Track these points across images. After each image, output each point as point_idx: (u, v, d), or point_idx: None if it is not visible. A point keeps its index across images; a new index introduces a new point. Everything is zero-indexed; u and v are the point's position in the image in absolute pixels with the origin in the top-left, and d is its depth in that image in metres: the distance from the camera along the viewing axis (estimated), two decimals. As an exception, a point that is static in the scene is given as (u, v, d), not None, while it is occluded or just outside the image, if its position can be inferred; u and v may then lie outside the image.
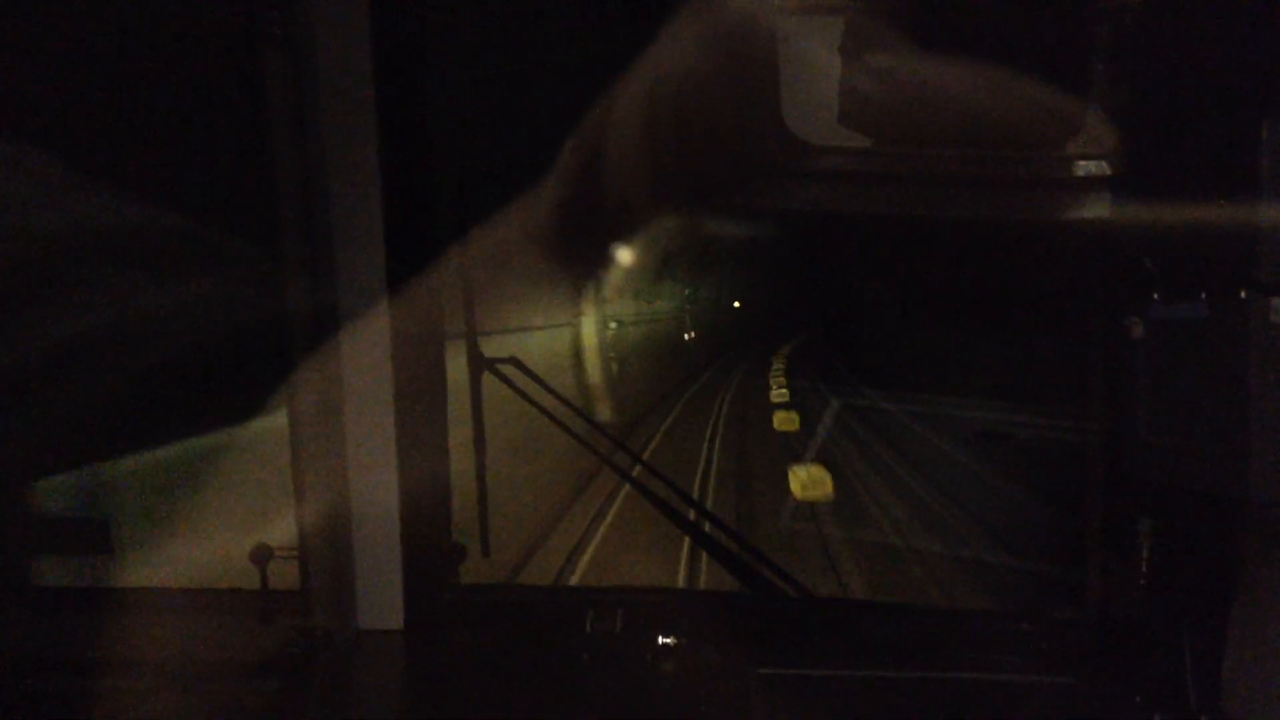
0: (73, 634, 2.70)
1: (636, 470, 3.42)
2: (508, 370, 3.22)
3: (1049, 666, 2.52)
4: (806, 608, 3.04)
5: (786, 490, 12.17)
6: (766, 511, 11.88)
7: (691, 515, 3.45)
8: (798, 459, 14.24)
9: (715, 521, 3.57)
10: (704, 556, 9.22)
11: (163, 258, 3.17)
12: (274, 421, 2.70)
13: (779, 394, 22.69)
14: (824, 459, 14.86)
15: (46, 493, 3.43)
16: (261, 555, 2.60)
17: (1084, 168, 2.61)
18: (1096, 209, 2.60)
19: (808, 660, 2.59)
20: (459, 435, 2.97)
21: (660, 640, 2.66)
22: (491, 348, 3.28)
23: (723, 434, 17.85)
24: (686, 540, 9.32)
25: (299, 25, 2.45)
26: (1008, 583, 8.48)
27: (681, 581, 9.26)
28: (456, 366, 3.06)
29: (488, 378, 3.22)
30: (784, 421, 18.18)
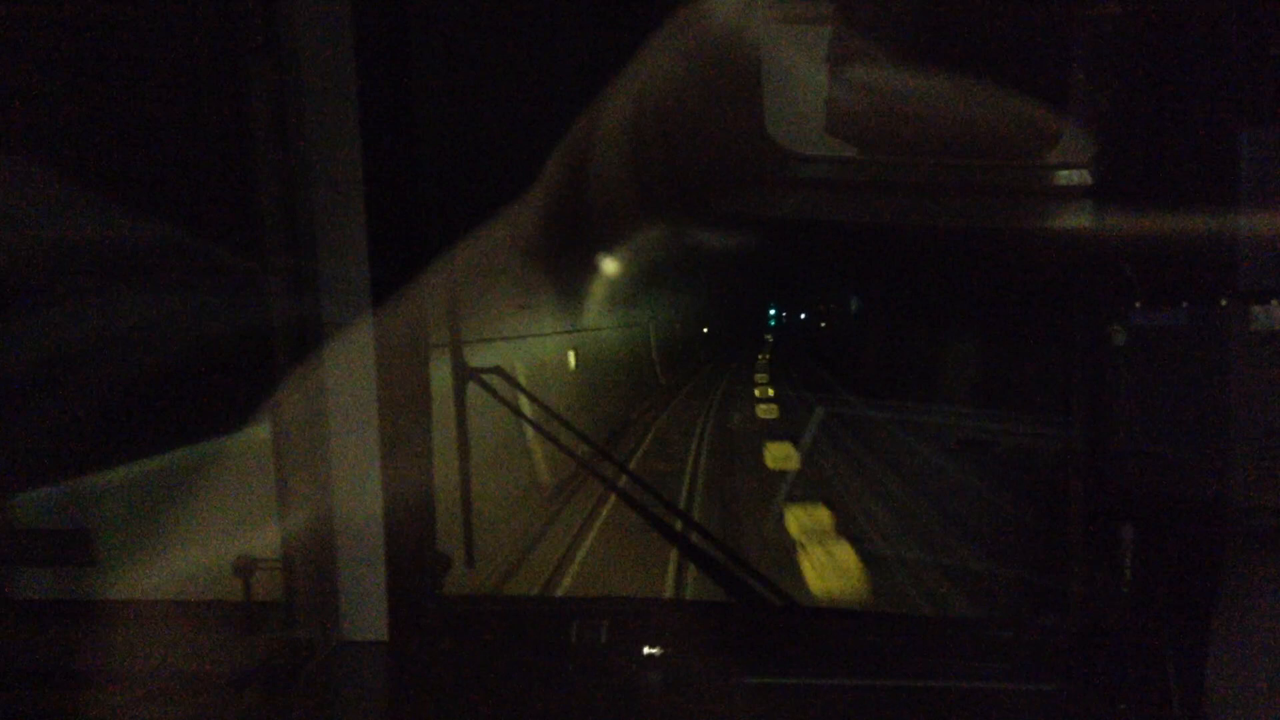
0: (56, 646, 2.68)
1: (623, 480, 3.42)
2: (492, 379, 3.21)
3: (1032, 674, 2.53)
4: (791, 617, 3.04)
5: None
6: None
7: (677, 525, 3.45)
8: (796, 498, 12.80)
9: (701, 531, 3.57)
10: (689, 566, 9.20)
11: (144, 268, 3.16)
12: (257, 432, 2.69)
13: (765, 404, 21.68)
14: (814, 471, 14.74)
15: (27, 504, 3.40)
16: (245, 566, 2.58)
17: (1065, 176, 2.63)
18: (1078, 217, 2.61)
19: (793, 669, 2.59)
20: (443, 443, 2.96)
21: (645, 650, 2.66)
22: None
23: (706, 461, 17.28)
24: (673, 550, 9.30)
25: (282, 34, 2.45)
26: (991, 590, 8.50)
27: (667, 591, 9.25)
28: (441, 376, 3.05)
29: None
30: (781, 460, 16.51)
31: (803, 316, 59.17)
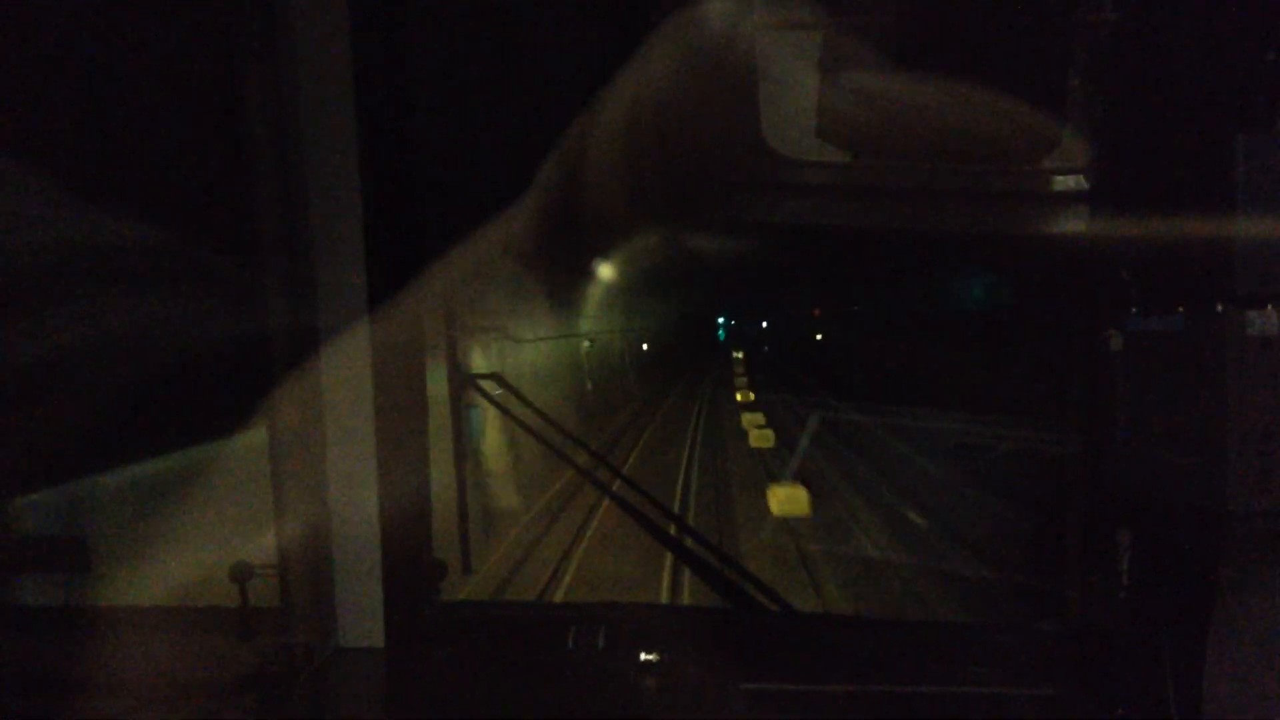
0: (51, 652, 2.67)
1: (617, 484, 3.41)
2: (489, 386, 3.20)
3: (1031, 678, 2.53)
4: (789, 623, 3.04)
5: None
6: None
7: (673, 530, 3.44)
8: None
9: (697, 537, 3.56)
10: (686, 572, 9.20)
11: (141, 273, 3.15)
12: (254, 438, 2.69)
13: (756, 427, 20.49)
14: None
15: (23, 510, 3.39)
16: (241, 573, 2.58)
17: (1061, 182, 2.63)
18: (1074, 222, 2.62)
19: (791, 675, 2.58)
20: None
21: (643, 656, 2.65)
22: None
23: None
24: (669, 556, 9.30)
25: (280, 41, 2.45)
26: (989, 595, 8.50)
27: (664, 597, 9.25)
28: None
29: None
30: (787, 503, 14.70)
31: (764, 324, 52.52)
